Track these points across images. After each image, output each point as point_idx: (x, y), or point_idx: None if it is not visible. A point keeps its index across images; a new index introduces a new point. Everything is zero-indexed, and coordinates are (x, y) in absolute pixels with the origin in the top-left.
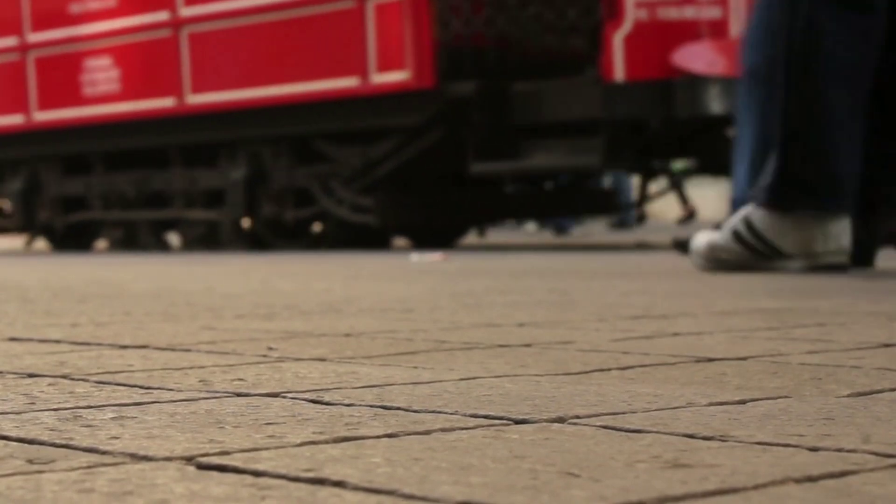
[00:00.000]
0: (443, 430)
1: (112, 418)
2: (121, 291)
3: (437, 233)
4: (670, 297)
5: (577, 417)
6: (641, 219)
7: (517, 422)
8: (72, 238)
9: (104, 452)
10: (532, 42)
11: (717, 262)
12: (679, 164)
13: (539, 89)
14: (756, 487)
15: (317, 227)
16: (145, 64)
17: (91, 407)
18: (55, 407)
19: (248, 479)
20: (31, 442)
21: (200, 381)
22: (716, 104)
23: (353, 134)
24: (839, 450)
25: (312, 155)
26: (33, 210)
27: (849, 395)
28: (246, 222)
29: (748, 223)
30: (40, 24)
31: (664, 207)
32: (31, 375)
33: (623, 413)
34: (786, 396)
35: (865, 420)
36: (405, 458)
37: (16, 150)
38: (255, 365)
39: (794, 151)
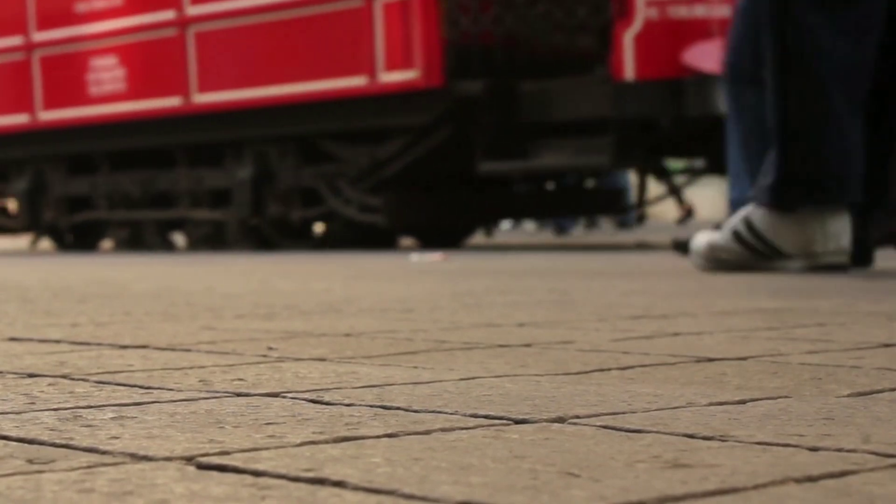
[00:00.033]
0: (443, 430)
1: (112, 418)
2: (121, 291)
3: (445, 232)
4: (670, 297)
5: (577, 417)
6: (641, 219)
7: (517, 422)
8: (77, 238)
9: (104, 452)
10: (540, 41)
11: (717, 262)
12: (676, 164)
13: (548, 88)
14: (756, 487)
15: (318, 228)
16: (151, 63)
17: (91, 407)
18: (55, 407)
19: (248, 479)
20: (31, 442)
21: (200, 381)
22: None
23: (360, 133)
24: (839, 450)
25: (319, 154)
26: (38, 210)
27: (849, 395)
28: (252, 222)
29: (748, 223)
30: (45, 23)
31: (664, 207)
32: (31, 375)
33: (623, 413)
34: (786, 396)
35: (865, 420)
36: (405, 458)
37: (21, 150)
38: (255, 365)
39: (793, 150)
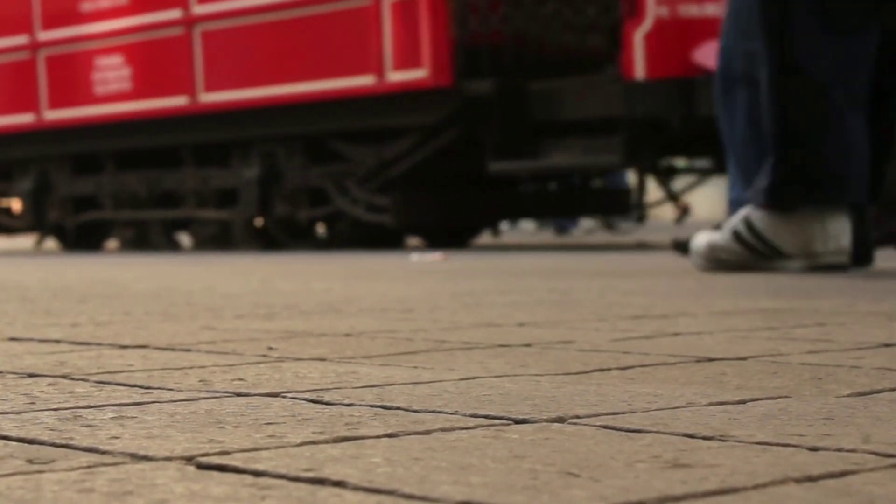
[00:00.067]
0: (443, 429)
1: (112, 418)
2: (121, 291)
3: (452, 232)
4: (670, 297)
5: (577, 417)
6: (641, 219)
7: (517, 422)
8: (82, 238)
9: (104, 452)
10: (549, 40)
11: (717, 262)
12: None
13: (558, 88)
14: (756, 487)
15: (320, 228)
16: (157, 62)
17: (91, 407)
18: (55, 407)
19: (248, 478)
20: (31, 442)
21: (200, 381)
22: None
23: (368, 133)
24: (839, 450)
25: (327, 154)
26: (43, 210)
27: (849, 395)
28: (259, 222)
29: (748, 223)
30: (51, 22)
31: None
32: (31, 375)
33: (623, 413)
34: (786, 396)
35: (865, 420)
36: (405, 457)
37: (26, 150)
38: (255, 365)
39: (793, 150)
